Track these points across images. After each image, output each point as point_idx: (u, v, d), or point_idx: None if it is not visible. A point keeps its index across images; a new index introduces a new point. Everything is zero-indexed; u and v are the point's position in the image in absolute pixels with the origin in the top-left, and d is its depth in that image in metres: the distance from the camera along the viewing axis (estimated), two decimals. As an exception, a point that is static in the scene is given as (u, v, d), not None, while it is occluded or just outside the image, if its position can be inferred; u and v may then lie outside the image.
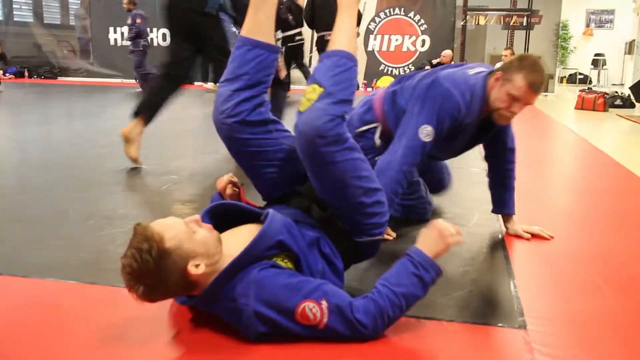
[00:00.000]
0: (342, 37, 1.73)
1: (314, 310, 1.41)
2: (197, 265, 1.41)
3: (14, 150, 4.50)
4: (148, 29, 9.51)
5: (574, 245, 2.41)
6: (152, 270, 1.36)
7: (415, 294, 1.51)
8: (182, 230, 1.41)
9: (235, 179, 1.84)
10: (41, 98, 8.25)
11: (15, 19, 12.53)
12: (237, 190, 1.84)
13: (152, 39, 11.61)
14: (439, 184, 2.96)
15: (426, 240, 1.59)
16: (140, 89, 9.10)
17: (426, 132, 2.16)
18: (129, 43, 9.17)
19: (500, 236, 2.46)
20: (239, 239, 1.54)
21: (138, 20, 8.90)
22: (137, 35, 8.91)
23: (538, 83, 2.10)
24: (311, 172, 1.64)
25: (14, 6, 12.52)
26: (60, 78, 11.94)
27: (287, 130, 1.78)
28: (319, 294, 1.43)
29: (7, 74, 11.25)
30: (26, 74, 11.80)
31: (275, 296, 1.41)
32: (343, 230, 1.71)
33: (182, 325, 1.59)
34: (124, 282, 1.40)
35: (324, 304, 1.42)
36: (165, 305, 1.69)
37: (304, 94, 1.61)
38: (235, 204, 1.73)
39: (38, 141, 4.85)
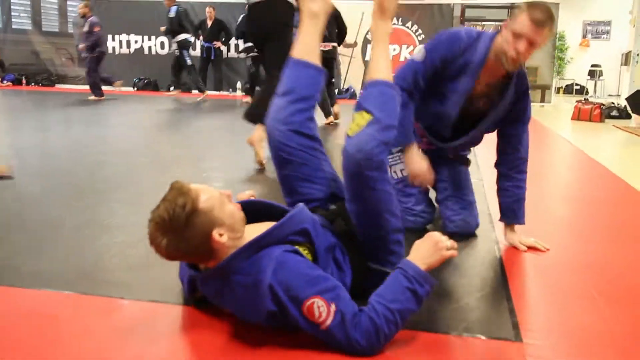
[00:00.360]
0: (382, 66, 1.85)
1: (321, 308, 1.41)
2: (220, 235, 1.46)
3: (11, 157, 4.49)
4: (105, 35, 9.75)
5: (570, 256, 2.41)
6: (181, 225, 1.41)
7: (410, 309, 1.51)
8: (216, 196, 1.49)
9: (255, 195, 1.96)
10: (39, 105, 8.25)
11: (13, 27, 12.55)
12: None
13: (150, 46, 11.64)
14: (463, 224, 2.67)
15: (419, 252, 1.59)
16: (92, 97, 9.03)
17: (418, 50, 2.34)
18: (86, 49, 9.11)
19: (496, 247, 2.46)
20: (261, 229, 1.57)
21: (96, 29, 8.93)
22: (96, 43, 8.94)
23: (541, 18, 2.08)
24: (353, 194, 1.72)
25: (12, 14, 12.55)
26: (58, 85, 11.94)
27: (327, 156, 1.92)
28: (332, 296, 1.44)
29: (4, 81, 11.25)
30: (24, 81, 11.80)
31: (292, 281, 1.42)
32: (360, 250, 1.75)
33: (179, 336, 1.59)
34: (149, 233, 1.47)
35: (333, 307, 1.42)
36: (162, 317, 1.69)
37: (352, 119, 1.72)
38: (262, 202, 1.83)
39: (35, 148, 4.84)
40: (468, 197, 2.73)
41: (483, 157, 4.75)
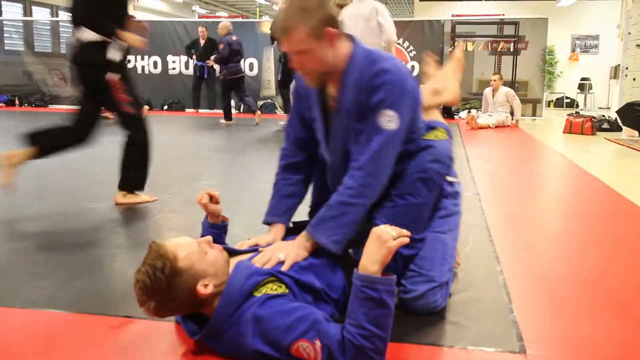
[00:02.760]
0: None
1: (307, 349, 1.41)
2: (205, 285, 1.49)
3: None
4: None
5: (567, 269, 2.44)
6: (163, 288, 1.43)
7: (378, 314, 1.41)
8: (194, 250, 1.50)
9: (213, 192, 1.92)
10: (32, 126, 8.24)
11: (5, 47, 12.56)
12: (214, 201, 1.92)
13: (143, 66, 11.68)
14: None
15: (366, 255, 1.46)
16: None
17: (388, 118, 1.82)
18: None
19: (496, 260, 2.48)
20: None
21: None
22: None
23: (276, 33, 1.77)
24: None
25: (4, 34, 12.58)
26: (51, 106, 11.94)
27: None
28: (313, 334, 1.42)
29: (-3, 103, 11.27)
30: (17, 102, 11.79)
31: (272, 335, 1.44)
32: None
33: (183, 355, 1.59)
34: (137, 296, 1.47)
35: (318, 343, 1.42)
36: (165, 334, 1.70)
37: (431, 131, 1.98)
38: (230, 249, 1.77)
39: (29, 169, 4.83)
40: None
41: (479, 169, 4.79)
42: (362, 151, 1.72)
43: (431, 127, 1.99)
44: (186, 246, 1.50)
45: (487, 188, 4.12)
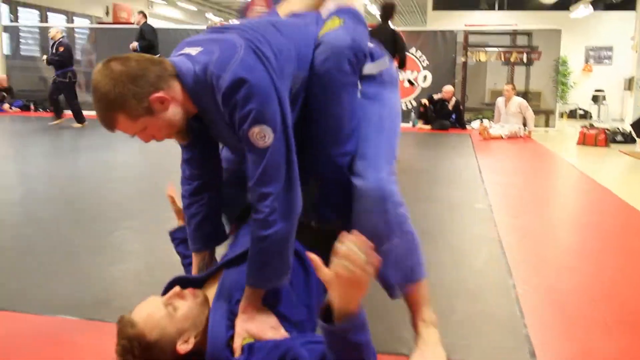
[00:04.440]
0: None
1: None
2: (186, 341, 1.44)
3: (20, 184, 4.53)
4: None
5: (581, 283, 2.41)
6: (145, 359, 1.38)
7: (357, 348, 1.26)
8: (162, 315, 1.42)
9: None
10: (46, 131, 8.32)
11: (22, 53, 12.69)
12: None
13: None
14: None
15: (335, 294, 1.24)
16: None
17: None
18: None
19: (508, 274, 2.46)
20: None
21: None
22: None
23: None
24: (319, 102, 1.59)
25: (20, 40, 12.71)
26: (65, 111, 12.04)
27: None
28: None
29: (12, 107, 11.34)
30: (32, 107, 11.89)
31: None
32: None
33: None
34: None
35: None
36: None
37: (325, 24, 1.63)
38: (192, 280, 1.67)
39: (44, 175, 4.88)
40: None
41: (491, 181, 4.77)
42: (252, 174, 1.47)
43: (326, 20, 1.68)
44: (152, 314, 1.41)
45: (499, 200, 4.10)
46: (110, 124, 1.43)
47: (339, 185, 1.62)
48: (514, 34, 11.97)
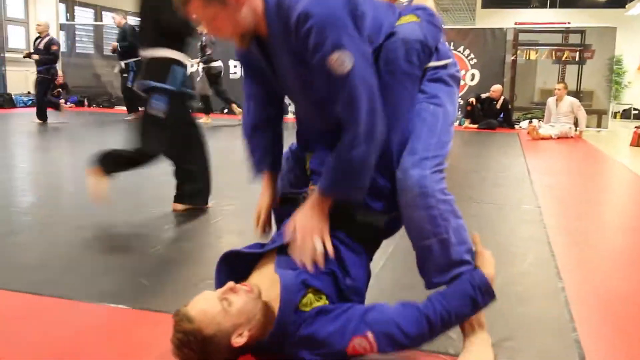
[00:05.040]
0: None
1: (362, 344, 1.48)
2: (240, 335, 1.48)
3: (76, 178, 4.68)
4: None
5: (632, 288, 2.36)
6: (200, 352, 1.44)
7: (466, 314, 1.57)
8: (217, 311, 1.46)
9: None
10: (100, 127, 8.59)
11: (77, 51, 13.12)
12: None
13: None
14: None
15: (485, 264, 1.61)
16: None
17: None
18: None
19: (557, 277, 2.43)
20: (271, 278, 1.59)
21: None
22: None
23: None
24: (382, 86, 1.61)
25: (76, 38, 13.14)
26: (117, 107, 12.39)
27: None
28: (363, 327, 1.49)
29: (68, 103, 11.75)
30: (86, 103, 12.29)
31: (327, 345, 1.49)
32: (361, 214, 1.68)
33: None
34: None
35: (370, 335, 1.48)
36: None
37: (400, 18, 1.72)
38: (242, 252, 1.73)
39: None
40: None
41: (540, 182, 4.69)
42: (337, 104, 1.54)
43: (404, 14, 1.75)
44: (208, 310, 1.46)
45: (548, 201, 4.02)
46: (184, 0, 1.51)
47: (386, 172, 1.65)
48: (566, 32, 11.67)
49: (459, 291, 1.57)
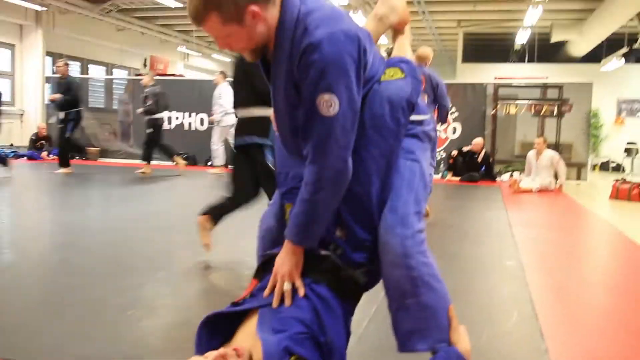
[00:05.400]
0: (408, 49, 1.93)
1: None
2: None
3: (56, 233, 4.63)
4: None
5: (617, 348, 2.35)
6: None
7: None
8: None
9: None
10: (83, 180, 8.53)
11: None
12: None
13: (190, 122, 12.02)
14: None
15: (460, 340, 1.62)
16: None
17: None
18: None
19: (540, 338, 2.41)
20: (254, 338, 1.55)
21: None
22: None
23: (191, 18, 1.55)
24: (365, 137, 1.65)
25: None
26: (100, 159, 12.36)
27: None
28: None
29: (50, 155, 11.70)
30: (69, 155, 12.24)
31: None
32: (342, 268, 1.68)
33: None
34: None
35: None
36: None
37: (385, 72, 1.73)
38: (223, 314, 1.70)
39: (80, 224, 4.98)
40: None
41: (522, 235, 4.71)
42: (308, 141, 1.58)
43: (388, 66, 1.79)
44: None
45: (530, 256, 4.04)
46: (200, 18, 1.49)
47: (367, 226, 1.66)
48: (544, 87, 11.98)
49: None
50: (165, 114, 9.92)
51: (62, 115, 9.09)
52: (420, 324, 1.61)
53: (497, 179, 10.37)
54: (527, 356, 2.22)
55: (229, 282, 3.23)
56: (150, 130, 9.47)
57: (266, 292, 1.66)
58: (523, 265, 3.73)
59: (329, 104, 1.51)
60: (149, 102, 9.38)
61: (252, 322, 1.62)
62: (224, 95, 9.54)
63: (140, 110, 9.63)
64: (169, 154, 9.85)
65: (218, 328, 1.68)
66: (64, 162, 9.20)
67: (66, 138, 9.13)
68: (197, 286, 3.15)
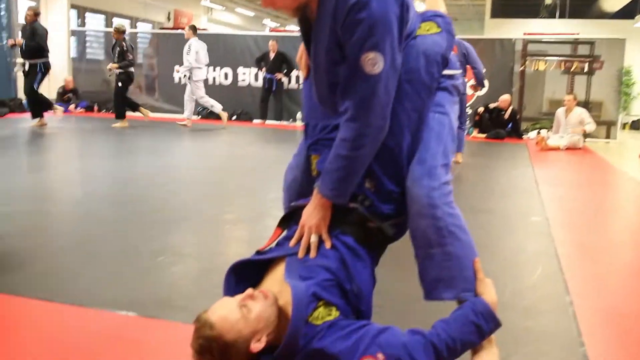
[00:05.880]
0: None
1: None
2: (258, 340, 1.51)
3: (83, 183, 4.72)
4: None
5: (642, 304, 2.35)
6: (220, 357, 1.47)
7: (472, 341, 1.56)
8: (237, 318, 1.49)
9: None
10: (109, 132, 8.63)
11: (87, 57, 13.22)
12: None
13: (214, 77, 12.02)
14: None
15: (486, 291, 1.62)
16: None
17: None
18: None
19: (565, 291, 2.42)
20: (281, 284, 1.60)
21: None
22: None
23: None
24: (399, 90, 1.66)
25: (86, 44, 13.24)
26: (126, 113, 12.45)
27: None
28: (375, 348, 1.48)
29: (78, 108, 11.81)
30: (95, 108, 12.36)
31: None
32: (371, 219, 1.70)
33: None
34: None
35: (380, 356, 1.47)
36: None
37: (421, 26, 1.73)
38: (251, 261, 1.75)
39: (106, 175, 5.07)
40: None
41: (548, 193, 4.68)
42: (349, 98, 1.58)
43: (424, 20, 1.79)
44: (228, 316, 1.49)
45: (556, 213, 4.02)
46: None
47: (394, 178, 1.68)
48: (575, 43, 11.66)
49: (462, 319, 1.57)
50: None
51: (27, 65, 8.64)
52: (445, 272, 1.63)
53: (524, 136, 10.22)
54: (551, 310, 2.23)
55: (254, 232, 3.28)
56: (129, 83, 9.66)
57: (292, 242, 1.69)
58: (549, 221, 3.71)
59: (374, 62, 1.51)
60: (130, 57, 9.50)
61: (279, 270, 1.67)
62: (192, 50, 9.43)
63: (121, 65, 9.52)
64: (134, 107, 9.97)
65: (245, 275, 1.73)
66: (35, 114, 8.71)
67: (33, 90, 8.65)
68: (223, 235, 3.21)
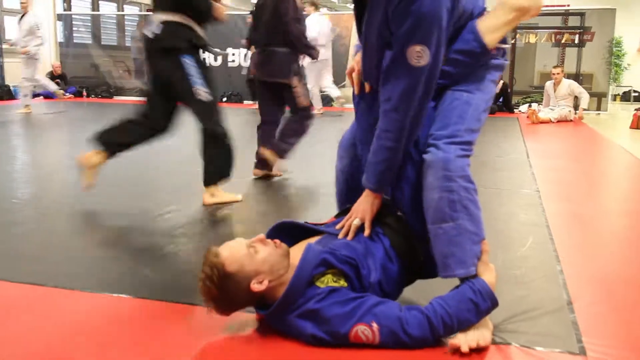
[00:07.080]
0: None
1: (365, 332, 1.54)
2: (260, 282, 1.58)
3: (72, 169, 4.69)
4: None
5: (632, 271, 2.38)
6: (216, 293, 1.57)
7: (468, 319, 1.60)
8: (243, 254, 1.59)
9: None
10: (99, 117, 8.57)
11: (75, 41, 13.07)
12: None
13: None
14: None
15: (486, 272, 1.66)
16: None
17: None
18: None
19: (556, 260, 2.45)
20: (302, 249, 1.68)
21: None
22: None
23: None
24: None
25: (73, 28, 13.08)
26: (116, 97, 12.37)
27: None
28: (370, 317, 1.55)
29: (67, 94, 11.72)
30: (84, 93, 12.27)
31: (330, 325, 1.55)
32: (410, 236, 1.75)
33: (253, 343, 1.66)
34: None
35: (375, 325, 1.54)
36: (237, 325, 1.77)
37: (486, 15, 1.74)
38: (297, 224, 1.89)
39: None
40: None
41: (539, 165, 4.70)
42: (392, 87, 1.59)
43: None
44: (235, 251, 1.59)
45: (547, 185, 4.04)
46: None
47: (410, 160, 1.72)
48: (565, 14, 11.61)
49: (460, 296, 1.60)
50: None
51: None
52: (456, 247, 1.64)
53: (515, 110, 10.23)
54: (542, 279, 2.25)
55: (247, 213, 3.28)
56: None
57: (338, 225, 1.79)
58: (540, 193, 3.73)
59: (419, 55, 1.53)
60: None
61: (313, 240, 1.76)
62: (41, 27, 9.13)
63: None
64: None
65: (289, 235, 1.83)
66: None
67: None
68: (213, 218, 3.21)
